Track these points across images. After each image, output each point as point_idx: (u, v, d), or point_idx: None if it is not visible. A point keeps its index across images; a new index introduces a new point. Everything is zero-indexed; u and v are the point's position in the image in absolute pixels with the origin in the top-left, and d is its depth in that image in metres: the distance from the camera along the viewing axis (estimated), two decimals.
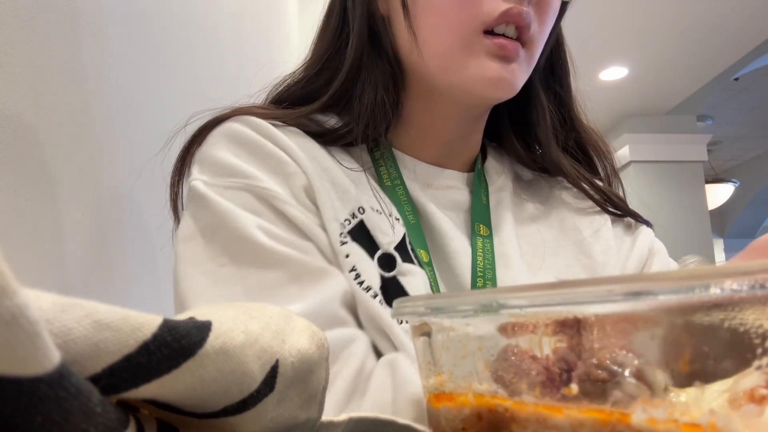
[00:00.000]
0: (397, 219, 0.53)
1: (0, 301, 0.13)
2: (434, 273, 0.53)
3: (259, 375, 0.21)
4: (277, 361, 0.22)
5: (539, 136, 0.63)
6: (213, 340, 0.19)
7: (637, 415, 0.19)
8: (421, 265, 0.52)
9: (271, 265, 0.45)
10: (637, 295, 0.20)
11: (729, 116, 4.92)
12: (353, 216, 0.50)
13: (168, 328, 0.18)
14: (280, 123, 0.53)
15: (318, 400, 0.26)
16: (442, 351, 0.26)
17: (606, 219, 0.63)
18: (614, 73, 3.70)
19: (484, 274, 0.54)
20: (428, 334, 0.26)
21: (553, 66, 0.64)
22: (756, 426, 0.18)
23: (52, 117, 0.54)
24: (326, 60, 0.58)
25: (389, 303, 0.48)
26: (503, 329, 0.24)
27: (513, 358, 0.23)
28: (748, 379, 0.19)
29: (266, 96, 0.61)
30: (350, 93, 0.56)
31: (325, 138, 0.55)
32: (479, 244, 0.56)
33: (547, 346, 0.23)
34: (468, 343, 0.25)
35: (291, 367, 0.23)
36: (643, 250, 0.63)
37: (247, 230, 0.45)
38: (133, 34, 0.70)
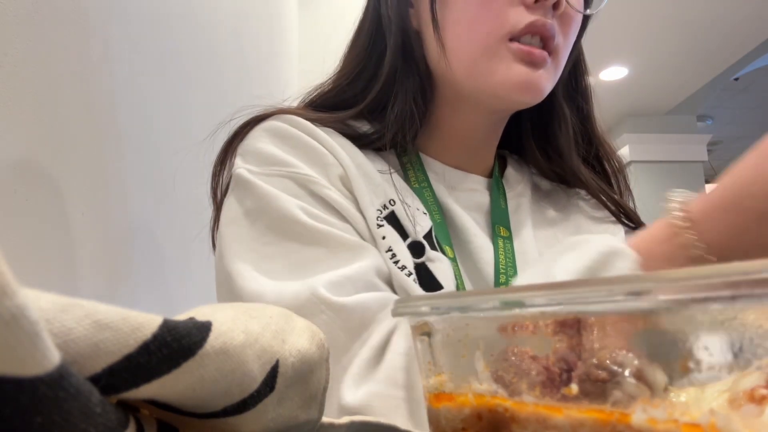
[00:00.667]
0: (424, 213, 0.56)
1: (0, 301, 0.13)
2: (459, 268, 0.55)
3: (259, 375, 0.21)
4: (277, 361, 0.22)
5: (561, 146, 0.65)
6: (213, 340, 0.19)
7: (637, 415, 0.19)
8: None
9: (313, 241, 0.48)
10: (637, 295, 0.20)
11: (729, 116, 4.92)
12: (384, 207, 0.54)
13: (168, 328, 0.18)
14: (317, 124, 0.57)
15: (318, 400, 0.26)
16: (442, 351, 0.26)
17: (620, 229, 0.66)
18: (614, 73, 3.70)
19: (506, 272, 0.56)
20: (428, 334, 0.26)
21: (576, 79, 0.66)
22: (756, 426, 0.18)
23: (54, 117, 0.54)
24: (358, 72, 0.62)
25: (421, 286, 0.51)
26: (503, 329, 0.24)
27: (513, 358, 0.23)
28: (748, 379, 0.19)
29: (299, 102, 0.64)
30: (384, 103, 0.60)
31: (357, 142, 0.59)
32: (500, 244, 0.59)
33: (547, 346, 0.23)
34: (468, 343, 0.25)
35: (291, 367, 0.23)
36: None
37: (290, 211, 0.49)
38: (137, 35, 0.70)
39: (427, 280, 0.52)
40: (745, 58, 3.61)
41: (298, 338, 0.24)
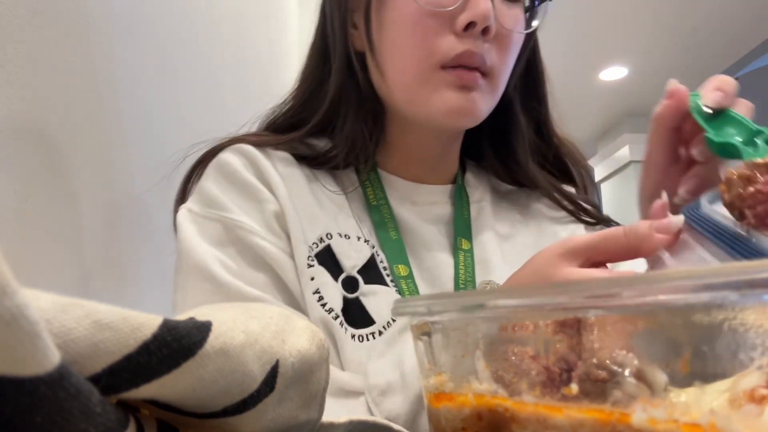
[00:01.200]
0: (366, 241, 0.57)
1: (0, 301, 0.13)
2: (414, 285, 0.56)
3: (259, 375, 0.21)
4: (277, 362, 0.22)
5: (519, 157, 0.66)
6: (213, 340, 0.19)
7: (637, 415, 0.19)
8: (395, 280, 0.55)
9: (216, 292, 0.50)
10: (637, 295, 0.20)
11: None
12: (321, 240, 0.55)
13: (168, 328, 0.18)
14: (271, 148, 0.58)
15: (318, 400, 0.26)
16: (442, 351, 0.26)
17: (580, 227, 0.67)
18: (614, 73, 3.70)
19: (465, 286, 0.57)
20: (428, 334, 0.26)
21: (529, 88, 0.66)
22: (756, 426, 0.18)
23: (55, 117, 0.54)
24: (310, 92, 0.62)
25: (349, 322, 0.52)
26: (503, 329, 0.24)
27: (513, 358, 0.23)
28: (748, 379, 0.19)
29: (260, 123, 0.65)
30: (333, 122, 0.60)
31: (313, 162, 0.59)
32: (461, 258, 0.59)
33: (548, 346, 0.23)
34: (468, 343, 0.25)
35: (291, 368, 0.23)
36: None
37: (205, 261, 0.50)
38: (138, 35, 0.70)
39: (359, 315, 0.52)
40: (745, 58, 3.60)
41: (298, 338, 0.24)
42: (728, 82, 0.44)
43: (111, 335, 0.17)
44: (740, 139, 0.40)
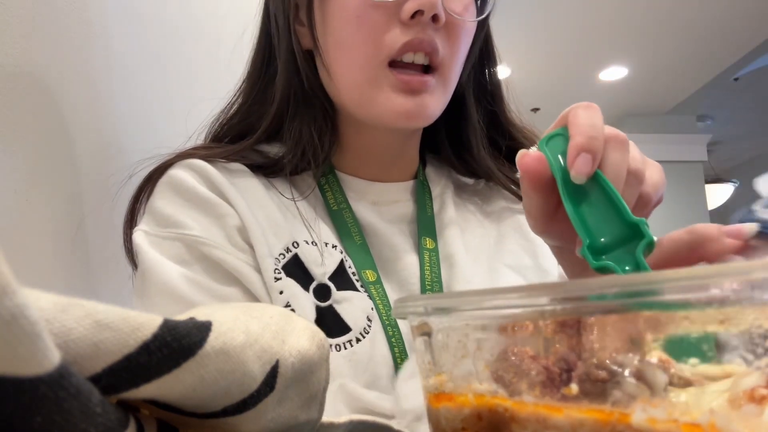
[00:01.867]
0: (334, 246, 0.55)
1: (0, 301, 0.13)
2: (383, 290, 0.54)
3: (259, 375, 0.21)
4: (277, 362, 0.22)
5: (472, 149, 0.64)
6: (213, 340, 0.19)
7: (637, 414, 0.19)
8: (365, 286, 0.54)
9: (183, 310, 0.47)
10: (637, 295, 0.20)
11: (729, 116, 4.92)
12: (288, 250, 0.52)
13: (168, 328, 0.18)
14: (221, 160, 0.55)
15: (318, 400, 0.26)
16: (442, 351, 0.26)
17: None
18: (614, 73, 3.70)
19: (432, 287, 0.56)
20: (428, 334, 0.26)
21: (482, 78, 0.65)
22: (756, 426, 0.18)
23: (55, 116, 0.54)
24: (255, 96, 0.60)
25: (324, 332, 0.49)
26: (503, 329, 0.24)
27: (513, 358, 0.23)
28: (748, 379, 0.19)
29: (206, 135, 0.62)
30: (282, 127, 0.58)
31: (268, 170, 0.57)
32: (426, 258, 0.58)
33: (547, 346, 0.23)
34: (468, 343, 0.25)
35: (291, 368, 0.23)
36: None
37: (171, 281, 0.48)
38: (137, 35, 0.70)
39: (333, 323, 0.51)
40: (745, 58, 3.60)
41: (298, 338, 0.24)
42: (593, 128, 0.38)
43: (111, 335, 0.17)
44: (614, 236, 0.33)
